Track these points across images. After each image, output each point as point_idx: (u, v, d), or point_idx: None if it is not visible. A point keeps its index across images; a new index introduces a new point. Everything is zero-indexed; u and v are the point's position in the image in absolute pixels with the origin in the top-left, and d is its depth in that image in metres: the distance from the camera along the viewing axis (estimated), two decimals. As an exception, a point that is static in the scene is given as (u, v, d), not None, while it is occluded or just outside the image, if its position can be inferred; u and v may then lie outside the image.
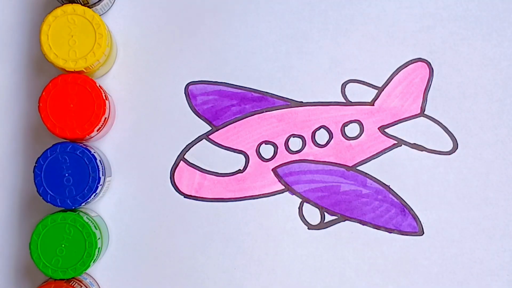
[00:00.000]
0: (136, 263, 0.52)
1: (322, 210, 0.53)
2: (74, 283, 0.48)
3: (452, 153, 0.53)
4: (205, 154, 0.53)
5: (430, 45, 0.53)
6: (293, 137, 0.53)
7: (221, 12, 0.53)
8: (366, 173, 0.53)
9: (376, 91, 0.53)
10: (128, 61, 0.53)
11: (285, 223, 0.52)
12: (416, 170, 0.53)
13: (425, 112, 0.53)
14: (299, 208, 0.53)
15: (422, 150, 0.53)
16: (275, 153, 0.53)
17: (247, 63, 0.53)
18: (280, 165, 0.53)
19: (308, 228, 0.53)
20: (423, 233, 0.53)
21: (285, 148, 0.53)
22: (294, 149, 0.53)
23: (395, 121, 0.53)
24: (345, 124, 0.53)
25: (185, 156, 0.53)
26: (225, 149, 0.53)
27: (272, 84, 0.53)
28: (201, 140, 0.53)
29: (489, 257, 0.52)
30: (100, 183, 0.48)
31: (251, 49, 0.53)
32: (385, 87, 0.53)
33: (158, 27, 0.53)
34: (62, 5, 0.49)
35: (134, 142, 0.53)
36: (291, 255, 0.52)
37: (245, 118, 0.53)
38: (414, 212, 0.53)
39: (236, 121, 0.53)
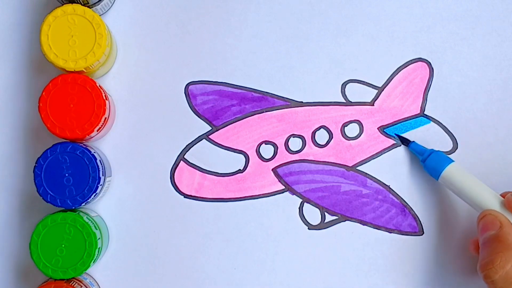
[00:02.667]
0: (136, 263, 0.52)
1: (323, 210, 0.53)
2: (74, 283, 0.48)
3: (452, 153, 0.53)
4: (205, 154, 0.53)
5: (430, 45, 0.53)
6: (293, 137, 0.53)
7: (221, 12, 0.53)
8: (366, 173, 0.53)
9: (376, 91, 0.53)
10: (128, 61, 0.53)
11: (285, 223, 0.52)
12: (416, 170, 0.53)
13: (425, 112, 0.53)
14: (299, 208, 0.53)
15: (422, 150, 0.53)
16: (275, 153, 0.53)
17: (247, 63, 0.53)
18: (280, 165, 0.53)
19: (309, 228, 0.53)
20: (423, 233, 0.53)
21: (285, 148, 0.53)
22: (294, 149, 0.53)
23: (395, 121, 0.53)
24: (345, 124, 0.53)
25: (185, 156, 0.53)
26: (225, 149, 0.53)
27: (272, 84, 0.53)
28: (201, 140, 0.53)
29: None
30: (100, 183, 0.48)
31: (251, 49, 0.53)
32: (385, 87, 0.53)
33: (158, 27, 0.53)
34: (62, 5, 0.49)
35: (134, 142, 0.53)
36: (291, 255, 0.52)
37: (245, 118, 0.53)
38: (414, 212, 0.53)
39: (236, 121, 0.53)
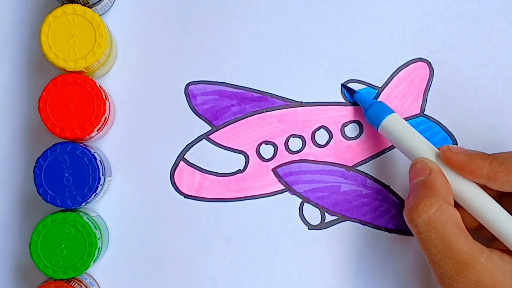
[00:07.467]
0: (136, 263, 0.52)
1: (323, 210, 0.53)
2: (74, 283, 0.48)
3: (452, 153, 0.53)
4: (205, 154, 0.53)
5: (430, 45, 0.54)
6: (293, 137, 0.53)
7: (221, 12, 0.53)
8: (366, 173, 0.53)
9: (376, 91, 0.53)
10: (128, 61, 0.53)
11: (285, 223, 0.52)
12: (416, 170, 0.53)
13: (425, 112, 0.53)
14: (299, 208, 0.53)
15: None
16: (275, 153, 0.53)
17: (247, 63, 0.53)
18: (280, 165, 0.53)
19: (309, 228, 0.53)
20: (423, 233, 0.53)
21: (285, 148, 0.53)
22: (294, 149, 0.53)
23: (395, 121, 0.53)
24: (345, 124, 0.53)
25: (185, 156, 0.53)
26: (225, 149, 0.53)
27: (272, 84, 0.53)
28: (201, 140, 0.53)
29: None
30: (100, 183, 0.48)
31: (251, 49, 0.53)
32: (385, 87, 0.53)
33: (158, 27, 0.53)
34: (62, 5, 0.49)
35: (134, 142, 0.53)
36: (291, 255, 0.52)
37: (245, 118, 0.53)
38: (414, 212, 0.53)
39: (236, 121, 0.53)
